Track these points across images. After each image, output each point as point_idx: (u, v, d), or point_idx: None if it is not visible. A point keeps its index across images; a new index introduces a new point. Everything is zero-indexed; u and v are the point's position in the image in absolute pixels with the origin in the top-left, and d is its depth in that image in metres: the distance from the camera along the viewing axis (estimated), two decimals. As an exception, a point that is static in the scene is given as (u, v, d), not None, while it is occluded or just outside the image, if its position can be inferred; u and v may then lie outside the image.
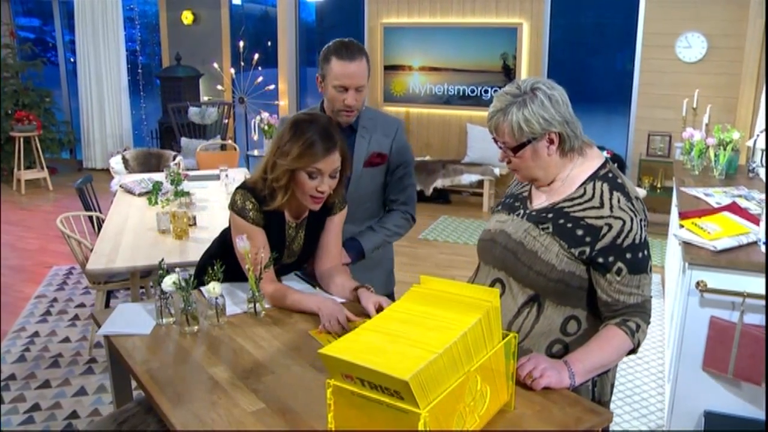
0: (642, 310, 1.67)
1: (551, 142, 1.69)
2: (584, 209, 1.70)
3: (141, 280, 3.64)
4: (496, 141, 1.74)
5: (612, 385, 1.82)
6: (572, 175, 1.75)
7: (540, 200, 1.80)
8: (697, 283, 2.72)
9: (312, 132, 1.98)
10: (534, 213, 1.77)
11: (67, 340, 4.02)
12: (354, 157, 2.42)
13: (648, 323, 1.68)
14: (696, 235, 2.84)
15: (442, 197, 7.34)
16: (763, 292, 2.63)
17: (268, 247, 2.12)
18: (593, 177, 1.74)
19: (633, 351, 1.67)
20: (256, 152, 7.81)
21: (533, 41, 6.83)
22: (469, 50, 7.16)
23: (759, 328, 2.64)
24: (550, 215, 1.73)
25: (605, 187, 1.71)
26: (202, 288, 2.12)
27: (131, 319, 2.01)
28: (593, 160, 1.77)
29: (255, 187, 2.09)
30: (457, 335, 1.23)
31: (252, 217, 2.09)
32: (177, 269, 1.99)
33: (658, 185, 6.22)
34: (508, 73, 7.00)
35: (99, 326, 1.99)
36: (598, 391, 1.76)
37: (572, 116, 1.69)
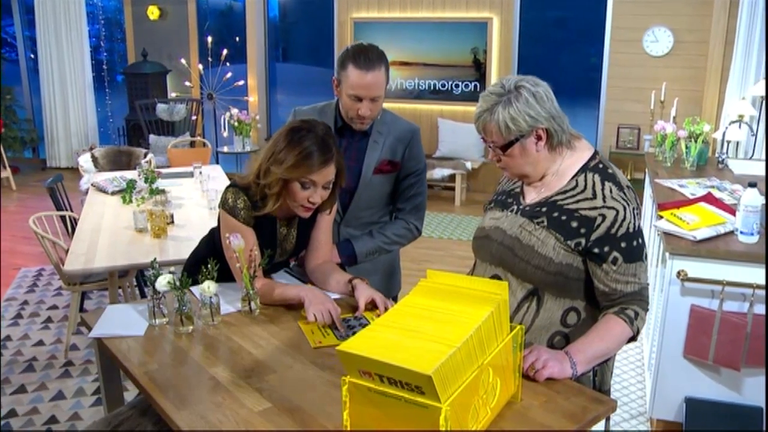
0: (640, 298, 1.70)
1: (539, 138, 1.70)
2: (577, 201, 1.72)
3: (118, 281, 3.57)
4: (485, 140, 1.75)
5: (611, 374, 1.86)
6: (563, 168, 1.77)
7: (533, 195, 1.81)
8: (678, 273, 2.78)
9: (309, 142, 1.94)
10: (528, 208, 1.79)
11: (41, 343, 3.92)
12: (364, 163, 2.35)
13: (646, 310, 1.71)
14: (675, 226, 2.90)
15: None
16: (741, 280, 2.71)
17: (257, 247, 2.10)
18: (584, 168, 1.76)
19: (633, 338, 1.70)
20: (225, 149, 7.72)
21: (503, 36, 6.89)
22: (439, 45, 7.18)
23: (738, 315, 2.72)
24: (544, 209, 1.75)
25: (597, 178, 1.73)
26: (192, 287, 2.09)
27: (123, 321, 1.97)
28: (583, 151, 1.79)
29: (248, 189, 2.06)
30: (472, 329, 1.24)
31: (243, 216, 2.06)
32: (172, 268, 1.95)
33: (628, 177, 6.34)
34: (479, 67, 7.04)
35: (89, 329, 1.95)
36: (598, 380, 1.79)
37: (558, 111, 1.71)
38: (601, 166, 1.77)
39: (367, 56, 2.15)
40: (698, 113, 5.86)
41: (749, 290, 2.70)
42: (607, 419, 1.76)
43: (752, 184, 2.77)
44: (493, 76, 6.99)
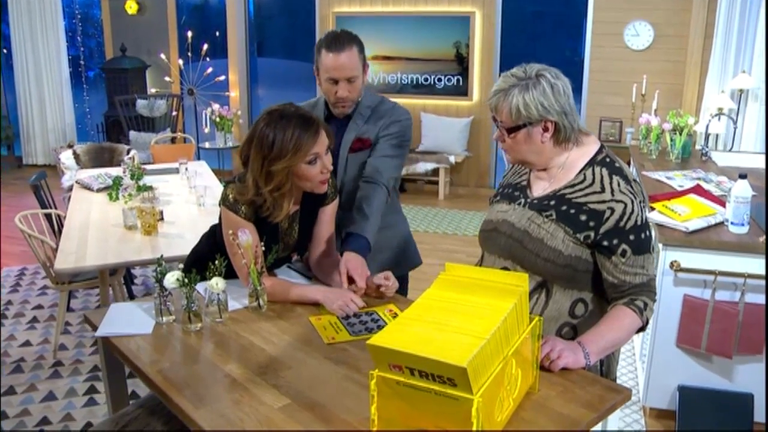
0: (648, 289, 1.73)
1: (546, 129, 1.72)
2: (586, 194, 1.74)
3: (108, 279, 3.52)
4: (495, 119, 1.76)
5: (617, 364, 1.88)
6: (570, 161, 1.79)
7: (540, 188, 1.83)
8: (671, 263, 2.83)
9: (292, 124, 1.93)
10: (536, 201, 1.80)
11: (27, 343, 3.85)
12: (342, 141, 2.39)
13: (654, 301, 1.74)
14: (668, 217, 2.94)
15: (397, 186, 7.36)
16: (733, 269, 2.76)
17: (259, 242, 2.09)
18: (591, 162, 1.78)
19: (642, 329, 1.72)
20: (207, 145, 7.64)
21: (486, 30, 6.91)
22: (422, 39, 7.18)
23: (730, 304, 2.77)
24: (552, 202, 1.76)
25: (604, 171, 1.75)
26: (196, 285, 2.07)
27: (129, 319, 1.94)
28: (590, 145, 1.81)
29: (253, 203, 2.04)
30: (499, 321, 1.25)
31: (244, 211, 2.05)
32: (180, 265, 1.93)
33: (610, 170, 6.40)
34: (462, 61, 7.06)
35: (94, 328, 1.92)
36: (605, 370, 1.82)
37: (572, 108, 1.72)
38: (608, 159, 1.79)
39: (338, 39, 2.25)
40: (678, 106, 5.94)
41: (741, 280, 2.75)
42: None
43: (742, 176, 2.82)
44: (476, 70, 7.01)
